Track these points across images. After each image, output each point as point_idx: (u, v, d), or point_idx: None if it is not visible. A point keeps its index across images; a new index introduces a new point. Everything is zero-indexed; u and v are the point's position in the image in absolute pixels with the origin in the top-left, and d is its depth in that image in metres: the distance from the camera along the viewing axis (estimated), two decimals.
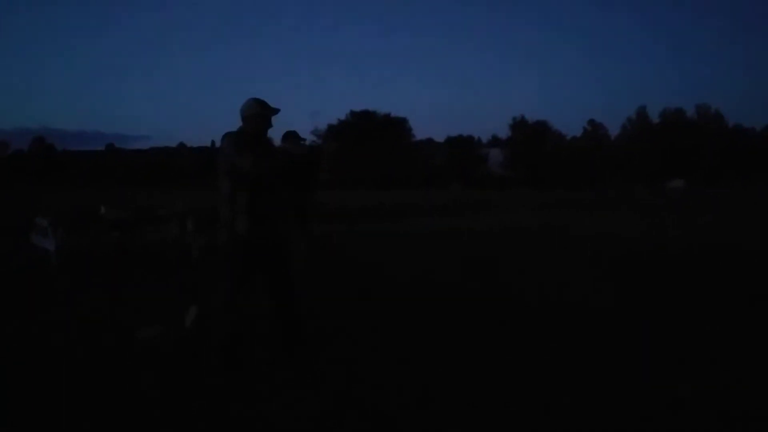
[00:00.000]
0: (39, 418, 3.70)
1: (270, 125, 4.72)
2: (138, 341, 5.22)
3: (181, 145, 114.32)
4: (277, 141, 5.62)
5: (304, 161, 5.08)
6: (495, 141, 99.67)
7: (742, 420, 3.58)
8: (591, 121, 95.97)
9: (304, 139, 4.91)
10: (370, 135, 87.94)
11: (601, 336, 5.31)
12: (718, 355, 4.75)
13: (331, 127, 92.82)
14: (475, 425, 3.57)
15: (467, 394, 4.02)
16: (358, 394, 4.02)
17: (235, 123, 4.73)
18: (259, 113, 4.63)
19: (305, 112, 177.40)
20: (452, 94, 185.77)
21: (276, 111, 4.69)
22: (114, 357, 4.84)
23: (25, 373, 4.49)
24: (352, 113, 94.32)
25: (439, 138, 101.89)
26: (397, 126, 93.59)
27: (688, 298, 6.79)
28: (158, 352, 4.91)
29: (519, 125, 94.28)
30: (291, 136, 5.99)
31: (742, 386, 4.07)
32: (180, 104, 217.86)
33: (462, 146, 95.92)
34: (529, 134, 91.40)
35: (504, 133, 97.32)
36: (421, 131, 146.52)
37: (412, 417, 3.68)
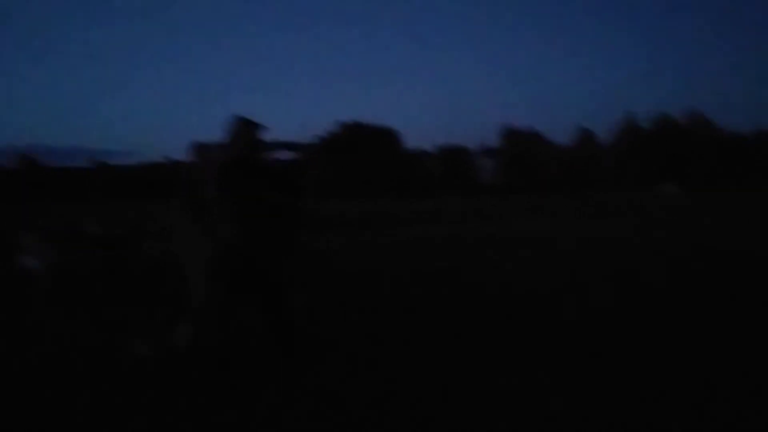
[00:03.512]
0: None
1: (259, 145, 4.56)
2: (129, 359, 5.06)
3: (167, 158, 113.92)
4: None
5: (288, 173, 4.99)
6: (486, 150, 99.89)
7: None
8: (580, 128, 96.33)
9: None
10: (361, 146, 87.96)
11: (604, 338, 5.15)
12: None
13: (320, 139, 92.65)
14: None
15: (463, 409, 3.84)
16: (353, 409, 3.87)
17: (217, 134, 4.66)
18: (243, 132, 4.48)
19: (293, 123, 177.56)
20: (437, 103, 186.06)
21: (262, 128, 4.59)
22: (105, 375, 4.70)
23: (19, 390, 4.43)
24: (342, 125, 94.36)
25: (429, 147, 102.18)
26: (387, 136, 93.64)
27: (685, 299, 6.62)
28: (150, 370, 4.77)
29: (509, 133, 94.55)
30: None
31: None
32: (165, 118, 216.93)
33: (453, 156, 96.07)
34: (520, 143, 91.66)
35: (492, 141, 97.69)
36: (410, 141, 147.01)
37: None
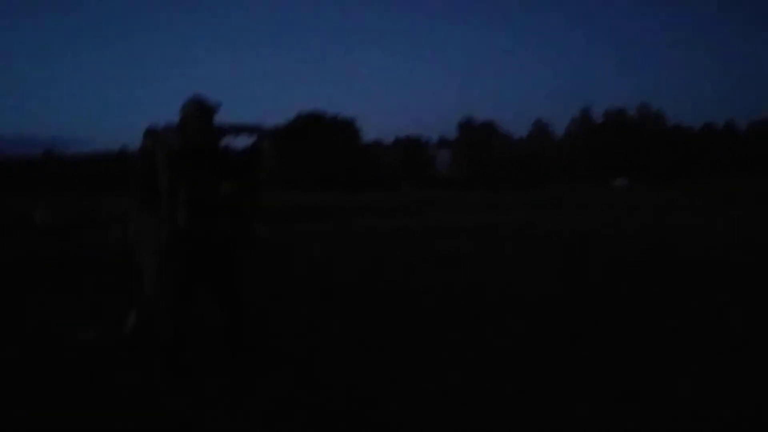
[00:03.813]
0: None
1: (212, 126, 4.44)
2: (76, 343, 5.02)
3: (123, 147, 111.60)
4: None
5: (243, 161, 4.84)
6: (443, 142, 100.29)
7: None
8: (537, 122, 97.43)
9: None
10: (319, 136, 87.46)
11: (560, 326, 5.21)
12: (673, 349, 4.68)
13: (278, 128, 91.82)
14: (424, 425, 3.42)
15: (418, 394, 3.85)
16: (306, 397, 3.87)
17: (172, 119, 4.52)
18: (196, 114, 4.37)
19: (252, 109, 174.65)
20: (400, 95, 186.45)
21: (216, 108, 4.44)
22: (51, 360, 4.65)
23: None
24: (300, 114, 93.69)
25: (388, 140, 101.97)
26: (346, 127, 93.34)
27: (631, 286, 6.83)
28: (96, 355, 4.74)
29: (466, 126, 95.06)
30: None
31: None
32: (119, 104, 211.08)
33: (411, 147, 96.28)
34: (475, 136, 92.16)
35: (452, 133, 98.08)
36: (369, 133, 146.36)
37: (359, 418, 3.54)
